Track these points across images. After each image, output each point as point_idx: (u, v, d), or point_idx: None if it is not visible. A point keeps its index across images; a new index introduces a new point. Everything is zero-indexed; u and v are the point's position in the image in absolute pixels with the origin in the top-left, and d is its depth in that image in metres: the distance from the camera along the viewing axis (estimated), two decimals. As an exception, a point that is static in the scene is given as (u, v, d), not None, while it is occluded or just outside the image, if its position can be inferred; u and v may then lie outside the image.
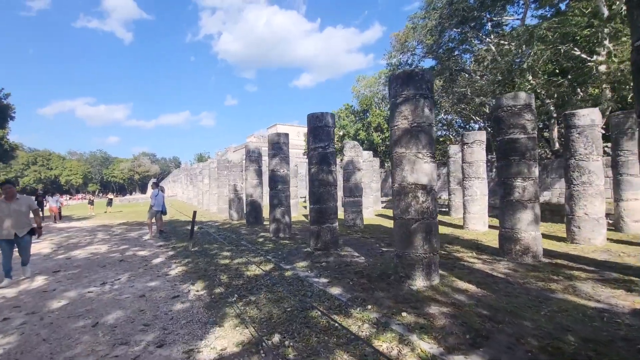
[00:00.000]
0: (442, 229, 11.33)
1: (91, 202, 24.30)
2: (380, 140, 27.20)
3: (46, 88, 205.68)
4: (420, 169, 4.56)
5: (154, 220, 10.65)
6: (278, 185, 9.37)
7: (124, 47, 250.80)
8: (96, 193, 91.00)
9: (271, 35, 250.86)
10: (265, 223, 12.36)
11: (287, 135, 9.72)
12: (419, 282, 4.51)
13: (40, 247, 9.09)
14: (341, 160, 11.73)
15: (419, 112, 4.60)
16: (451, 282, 4.73)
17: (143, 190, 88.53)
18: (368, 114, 29.51)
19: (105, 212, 24.79)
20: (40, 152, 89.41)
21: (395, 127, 4.75)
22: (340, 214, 11.40)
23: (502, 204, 6.18)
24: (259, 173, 12.03)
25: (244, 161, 14.69)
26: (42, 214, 16.72)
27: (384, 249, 7.43)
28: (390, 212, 17.13)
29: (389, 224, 14.50)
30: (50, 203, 16.74)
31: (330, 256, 6.72)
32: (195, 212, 8.19)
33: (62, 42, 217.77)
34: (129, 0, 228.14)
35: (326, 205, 7.08)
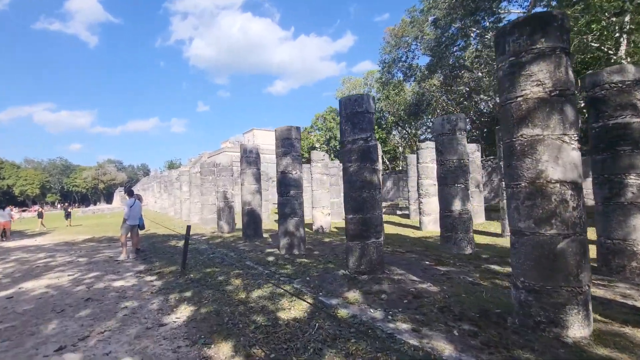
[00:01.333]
0: (486, 240, 9.95)
1: (40, 215, 20.85)
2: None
3: (1, 93, 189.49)
4: (567, 158, 3.01)
5: (128, 235, 8.51)
6: (290, 190, 7.59)
7: (88, 51, 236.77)
8: (55, 204, 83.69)
9: (245, 41, 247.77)
10: (265, 236, 10.46)
11: (298, 129, 7.98)
12: (576, 331, 2.94)
13: (-28, 278, 6.74)
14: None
15: (562, 75, 3.06)
16: (608, 327, 3.20)
17: (109, 200, 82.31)
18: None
19: (67, 225, 21.65)
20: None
21: (519, 99, 3.18)
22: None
23: (605, 208, 4.79)
24: (258, 177, 10.16)
25: (232, 165, 12.74)
26: None
27: (441, 268, 5.85)
28: (390, 218, 15.71)
29: (399, 230, 13.19)
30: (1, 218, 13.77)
31: (382, 282, 5.05)
32: (189, 227, 6.22)
33: (20, 45, 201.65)
34: (95, 3, 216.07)
35: (371, 215, 5.41)
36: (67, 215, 22.29)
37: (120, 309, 4.51)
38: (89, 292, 5.38)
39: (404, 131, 29.38)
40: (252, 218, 9.87)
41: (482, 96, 14.88)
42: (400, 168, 26.58)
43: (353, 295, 4.62)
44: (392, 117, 27.79)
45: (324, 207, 11.46)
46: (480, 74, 15.83)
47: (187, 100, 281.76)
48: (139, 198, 9.01)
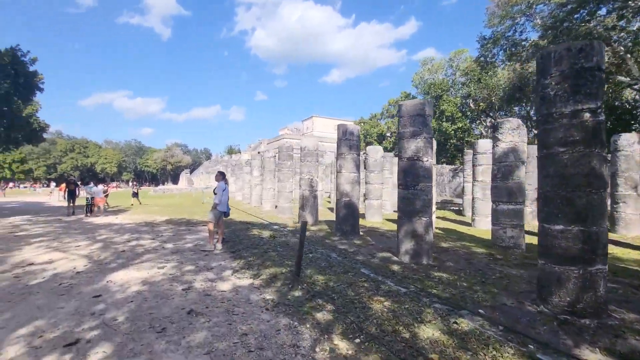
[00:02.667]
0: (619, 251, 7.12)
1: (135, 195, 21.87)
2: (453, 132, 23.16)
3: (88, 81, 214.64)
4: None
5: (211, 226, 7.50)
6: (420, 181, 5.89)
7: (162, 43, 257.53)
8: (128, 182, 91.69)
9: (304, 30, 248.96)
10: (361, 234, 8.94)
11: (431, 103, 6.18)
12: None
13: (67, 258, 6.13)
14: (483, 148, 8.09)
15: None
16: None
17: (175, 180, 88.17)
18: (437, 102, 25.42)
19: (132, 204, 22.41)
20: (78, 140, 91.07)
21: None
22: (483, 230, 7.66)
23: None
24: (358, 164, 8.60)
25: (292, 152, 11.34)
26: (74, 203, 14.14)
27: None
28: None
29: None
30: (95, 194, 14.02)
31: (624, 335, 3.17)
32: (305, 225, 4.82)
33: (105, 38, 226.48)
34: None
35: (599, 228, 3.51)
36: (135, 195, 22.89)
37: (239, 336, 3.23)
38: (188, 299, 4.24)
39: (490, 120, 25.89)
40: (351, 212, 8.37)
41: (623, 78, 11.69)
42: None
43: (595, 357, 2.83)
44: (482, 104, 24.46)
45: (429, 203, 9.58)
46: (621, 48, 12.50)
47: (246, 89, 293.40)
48: (227, 183, 7.98)
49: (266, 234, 9.35)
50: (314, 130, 76.83)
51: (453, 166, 23.49)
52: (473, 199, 10.85)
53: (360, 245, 7.67)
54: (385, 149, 31.57)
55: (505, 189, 7.14)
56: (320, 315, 3.70)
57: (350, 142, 8.46)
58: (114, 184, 75.44)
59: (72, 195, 13.83)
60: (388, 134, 32.29)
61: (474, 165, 10.90)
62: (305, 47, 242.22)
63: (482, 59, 19.38)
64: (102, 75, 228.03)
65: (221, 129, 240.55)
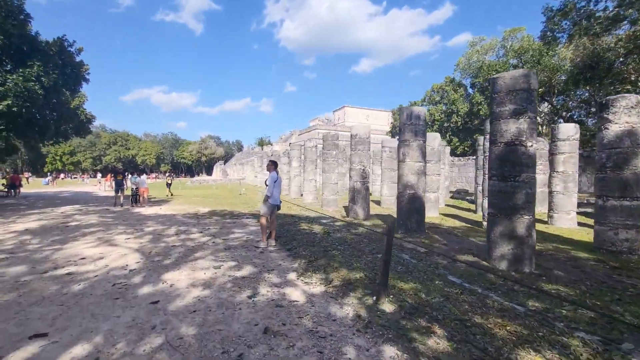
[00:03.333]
0: None
1: (168, 185, 22.00)
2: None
3: (128, 77, 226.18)
4: None
5: (264, 221, 6.85)
6: (521, 172, 4.85)
7: (195, 38, 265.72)
8: (166, 173, 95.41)
9: (333, 20, 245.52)
10: (427, 231, 7.98)
11: (535, 74, 5.06)
12: None
13: (118, 252, 5.75)
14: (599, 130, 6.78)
15: None
16: None
17: (209, 172, 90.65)
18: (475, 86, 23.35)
19: (167, 195, 22.62)
20: (120, 133, 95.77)
21: None
22: (547, 227, 6.41)
23: None
24: (424, 152, 7.61)
25: (361, 139, 10.40)
26: (122, 193, 14.18)
27: None
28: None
29: None
30: (140, 184, 14.04)
31: None
32: (392, 226, 3.97)
33: (143, 35, 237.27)
34: None
35: None
36: (168, 185, 22.79)
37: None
38: (258, 311, 3.57)
39: (548, 106, 23.39)
40: (416, 207, 7.43)
41: None
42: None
43: None
44: (541, 89, 22.11)
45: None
46: None
47: (275, 81, 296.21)
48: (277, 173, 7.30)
49: (317, 228, 8.64)
50: (345, 120, 75.42)
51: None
52: (550, 192, 9.49)
53: (429, 245, 6.73)
54: None
55: (617, 181, 5.87)
56: (432, 344, 2.87)
57: (415, 127, 7.47)
58: (153, 174, 78.64)
59: (119, 186, 13.84)
60: (430, 122, 30.45)
61: (552, 154, 9.51)
62: (334, 37, 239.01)
63: (548, 34, 17.18)
64: (140, 71, 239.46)
65: (251, 120, 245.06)
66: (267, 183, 6.80)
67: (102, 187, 32.08)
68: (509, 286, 4.40)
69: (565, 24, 16.74)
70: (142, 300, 3.85)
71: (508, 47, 23.77)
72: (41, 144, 19.38)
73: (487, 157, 8.95)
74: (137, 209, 12.95)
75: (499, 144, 5.03)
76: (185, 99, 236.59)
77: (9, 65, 10.88)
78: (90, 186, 37.56)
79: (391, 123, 41.89)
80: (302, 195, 16.77)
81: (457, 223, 9.92)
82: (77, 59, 12.95)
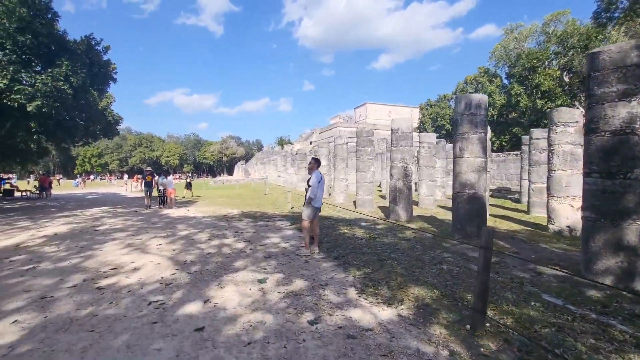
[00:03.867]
0: None
1: (188, 186, 21.47)
2: (549, 109, 19.75)
3: (152, 80, 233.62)
4: None
5: (307, 224, 6.17)
6: (634, 166, 3.93)
7: (215, 40, 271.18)
8: (188, 173, 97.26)
9: (351, 16, 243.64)
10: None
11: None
12: None
13: (151, 261, 5.23)
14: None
15: None
16: None
17: (230, 171, 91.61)
18: (530, 75, 21.77)
19: (184, 197, 22.40)
20: (145, 135, 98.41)
21: None
22: None
23: None
24: (485, 146, 6.71)
25: (346, 143, 9.54)
26: (151, 194, 13.91)
27: None
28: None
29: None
30: (167, 186, 13.78)
31: None
32: (491, 234, 3.15)
33: (166, 39, 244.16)
34: None
35: None
36: (188, 186, 21.95)
37: None
38: (327, 344, 2.87)
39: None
40: (476, 209, 6.56)
41: None
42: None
43: None
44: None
45: (573, 196, 7.39)
46: None
47: (294, 80, 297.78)
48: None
49: (359, 232, 7.91)
50: (367, 117, 74.18)
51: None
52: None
53: (498, 253, 5.85)
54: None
55: None
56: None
57: (475, 118, 6.58)
58: (176, 175, 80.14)
59: (149, 187, 13.54)
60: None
61: None
62: (352, 34, 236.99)
63: (602, 14, 15.56)
64: (163, 74, 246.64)
65: (270, 120, 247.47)
66: (311, 183, 6.12)
67: (129, 188, 32.59)
68: (628, 309, 3.52)
69: (621, 2, 15.14)
70: (184, 325, 3.23)
71: (550, 32, 22.06)
72: (71, 146, 19.57)
73: (551, 150, 7.94)
74: (165, 211, 12.64)
75: (602, 133, 4.12)
76: (206, 100, 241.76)
77: (38, 66, 10.75)
78: (117, 187, 38.37)
79: (419, 119, 40.22)
80: (330, 195, 16.07)
81: (513, 226, 8.92)
82: (104, 57, 12.79)
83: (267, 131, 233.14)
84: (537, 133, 10.66)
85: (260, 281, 4.50)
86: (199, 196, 21.07)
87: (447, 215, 10.77)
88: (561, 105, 20.95)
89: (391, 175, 9.48)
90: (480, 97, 6.64)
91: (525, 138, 14.17)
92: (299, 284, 4.39)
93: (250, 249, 6.40)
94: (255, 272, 4.90)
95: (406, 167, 9.25)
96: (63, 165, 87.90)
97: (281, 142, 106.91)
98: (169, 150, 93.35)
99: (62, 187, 40.36)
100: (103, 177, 73.96)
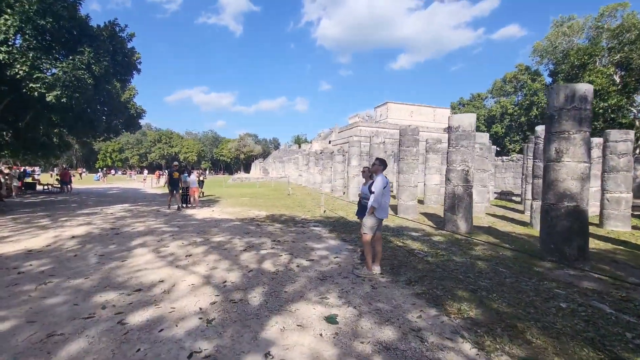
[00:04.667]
0: None
1: (200, 184, 17.96)
2: (602, 110, 17.92)
3: (172, 79, 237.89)
4: None
5: (368, 238, 5.04)
6: None
7: (234, 40, 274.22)
8: (207, 170, 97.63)
9: (371, 15, 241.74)
10: (592, 261, 5.77)
11: None
12: None
13: (183, 281, 4.23)
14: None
15: None
16: None
17: (247, 169, 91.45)
18: (580, 73, 20.00)
19: (202, 194, 21.57)
20: (164, 131, 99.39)
21: None
22: None
23: None
24: (589, 148, 5.42)
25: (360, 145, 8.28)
26: (178, 195, 12.40)
27: None
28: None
29: None
30: (190, 183, 12.68)
31: None
32: None
33: (187, 38, 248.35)
34: None
35: None
36: (200, 184, 18.67)
37: None
38: None
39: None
40: (578, 226, 5.28)
41: None
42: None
43: None
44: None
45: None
46: None
47: (311, 80, 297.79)
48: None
49: (416, 245, 6.75)
50: (388, 117, 72.16)
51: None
52: None
53: (618, 285, 4.57)
54: (496, 135, 26.25)
55: None
56: None
57: (580, 114, 5.30)
58: (195, 171, 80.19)
59: (175, 186, 12.07)
60: (498, 117, 27.13)
61: None
62: (371, 34, 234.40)
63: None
64: (183, 73, 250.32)
65: (287, 119, 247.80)
66: (374, 189, 4.99)
67: (148, 183, 32.27)
68: None
69: None
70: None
71: (605, 27, 20.10)
72: (93, 140, 19.06)
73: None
74: (188, 211, 11.76)
75: None
76: (224, 98, 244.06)
77: (58, 53, 10.00)
78: (137, 182, 38.23)
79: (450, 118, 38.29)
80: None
81: (608, 245, 7.53)
82: (129, 45, 11.99)
83: (283, 130, 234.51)
84: (616, 135, 9.21)
85: (330, 320, 3.41)
86: (217, 196, 20.15)
87: (508, 227, 9.45)
88: (613, 105, 19.04)
89: (448, 179, 8.24)
90: (586, 88, 5.34)
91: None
92: (383, 328, 3.26)
93: (297, 266, 5.33)
94: (317, 304, 3.82)
95: (467, 171, 8.00)
96: (85, 159, 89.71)
97: (298, 141, 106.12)
98: (187, 147, 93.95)
99: (83, 180, 40.61)
100: (124, 172, 74.88)
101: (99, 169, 67.69)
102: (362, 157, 17.52)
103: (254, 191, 25.46)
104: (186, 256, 5.78)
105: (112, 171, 68.94)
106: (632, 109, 20.55)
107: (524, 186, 12.63)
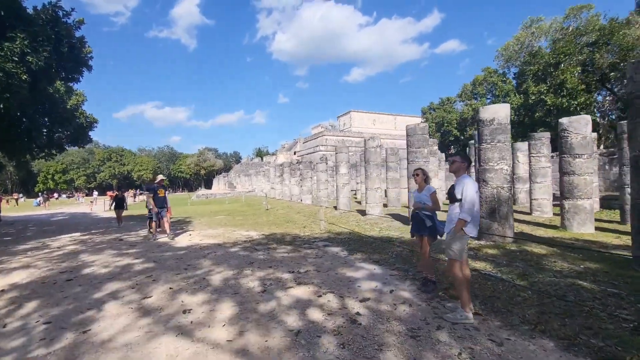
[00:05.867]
0: None
1: (119, 205, 13.81)
2: (573, 109, 18.28)
3: (122, 94, 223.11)
4: None
5: (458, 270, 3.60)
6: None
7: (188, 54, 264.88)
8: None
9: (324, 31, 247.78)
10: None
11: None
12: None
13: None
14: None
15: None
16: None
17: (208, 185, 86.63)
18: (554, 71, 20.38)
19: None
20: (114, 148, 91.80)
21: None
22: None
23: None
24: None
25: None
26: (155, 219, 9.89)
27: None
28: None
29: None
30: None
31: None
32: None
33: (137, 52, 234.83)
34: (193, 7, 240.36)
35: None
36: (119, 204, 14.27)
37: None
38: None
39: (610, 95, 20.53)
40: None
41: None
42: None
43: None
44: (606, 71, 18.89)
45: None
46: None
47: (269, 93, 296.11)
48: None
49: (477, 265, 5.37)
50: (352, 125, 72.41)
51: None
52: None
53: None
54: (470, 138, 26.41)
55: None
56: None
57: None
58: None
59: (161, 205, 9.72)
60: (469, 121, 27.35)
61: None
62: (326, 48, 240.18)
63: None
64: (134, 88, 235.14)
65: (246, 132, 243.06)
66: (464, 195, 3.54)
67: (96, 206, 28.48)
68: None
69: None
70: None
71: (569, 29, 20.82)
72: (30, 158, 15.79)
73: None
74: (161, 238, 9.56)
75: None
76: (179, 113, 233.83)
77: (-20, 41, 7.51)
78: (86, 206, 33.82)
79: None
80: (365, 207, 13.47)
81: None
82: (77, 34, 9.55)
83: (243, 143, 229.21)
84: None
85: None
86: (186, 217, 17.68)
87: (539, 231, 8.45)
88: (582, 103, 19.63)
89: (483, 181, 7.06)
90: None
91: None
92: None
93: (357, 313, 3.70)
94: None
95: (508, 171, 6.89)
96: (23, 183, 79.85)
97: (260, 154, 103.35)
98: (141, 164, 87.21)
99: (21, 207, 35.22)
100: (70, 195, 67.24)
101: (39, 193, 60.05)
102: (349, 164, 16.19)
103: (225, 208, 23.10)
104: (184, 312, 3.91)
105: (55, 194, 61.46)
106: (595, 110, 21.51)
107: (531, 187, 11.92)
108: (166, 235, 9.59)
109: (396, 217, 11.70)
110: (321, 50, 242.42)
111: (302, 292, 4.46)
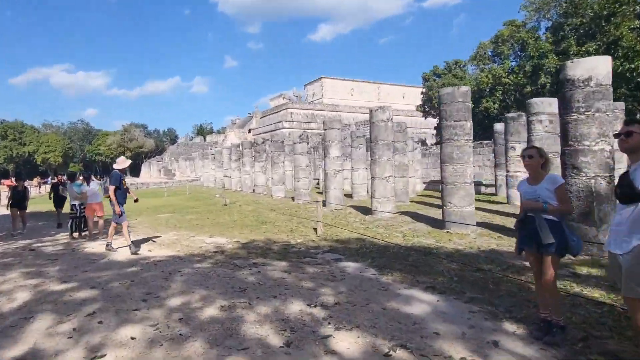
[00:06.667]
0: None
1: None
2: (628, 74, 17.61)
3: (20, 55, 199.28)
4: None
5: None
6: None
7: (108, 4, 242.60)
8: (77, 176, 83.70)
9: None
10: None
11: None
12: None
13: None
14: None
15: None
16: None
17: (135, 171, 79.48)
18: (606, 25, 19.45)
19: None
20: (11, 123, 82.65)
21: None
22: None
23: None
24: None
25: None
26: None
27: None
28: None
29: None
30: (91, 197, 8.85)
31: None
32: None
33: (37, 3, 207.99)
34: None
35: None
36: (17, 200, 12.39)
37: None
38: None
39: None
40: None
41: None
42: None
43: None
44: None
45: None
46: None
47: (212, 55, 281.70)
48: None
49: (596, 293, 4.13)
50: (323, 96, 69.16)
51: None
52: None
53: None
54: (486, 112, 25.90)
55: None
56: None
57: None
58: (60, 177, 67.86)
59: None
60: (487, 89, 25.67)
61: None
62: (285, 0, 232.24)
63: None
64: (37, 45, 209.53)
65: (183, 105, 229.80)
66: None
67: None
68: None
69: None
70: None
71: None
72: None
73: None
74: (89, 247, 7.44)
75: None
76: (96, 79, 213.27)
77: None
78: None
79: (423, 94, 35.90)
80: (353, 198, 12.08)
81: None
82: None
83: (179, 118, 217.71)
84: None
85: None
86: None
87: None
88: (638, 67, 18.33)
89: (574, 167, 5.89)
90: None
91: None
92: None
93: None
94: None
95: (608, 152, 5.76)
96: None
97: (202, 132, 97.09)
98: (47, 145, 78.97)
99: None
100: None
101: None
102: (344, 143, 14.70)
103: (167, 202, 20.69)
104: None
105: None
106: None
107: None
108: (96, 240, 7.47)
109: (414, 216, 10.38)
110: (279, 3, 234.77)
111: (350, 344, 2.96)
